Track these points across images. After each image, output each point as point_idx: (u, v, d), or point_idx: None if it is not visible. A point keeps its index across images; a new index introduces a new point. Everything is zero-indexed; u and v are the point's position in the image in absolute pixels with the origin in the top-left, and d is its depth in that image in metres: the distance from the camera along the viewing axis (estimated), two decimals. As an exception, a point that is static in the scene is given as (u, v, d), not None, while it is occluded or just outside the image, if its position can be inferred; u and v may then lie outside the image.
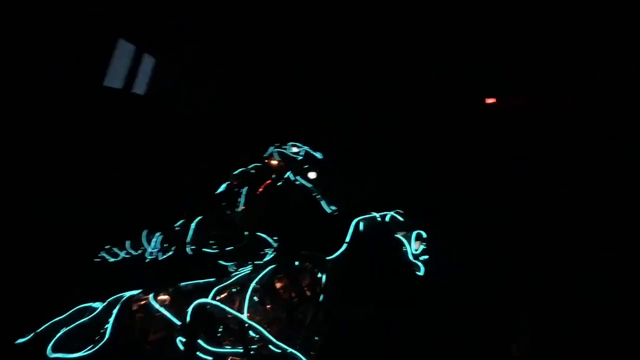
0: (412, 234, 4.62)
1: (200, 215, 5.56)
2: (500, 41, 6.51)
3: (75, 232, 6.46)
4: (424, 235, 4.54)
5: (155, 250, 5.92)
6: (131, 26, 7.12)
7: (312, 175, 5.18)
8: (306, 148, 5.44)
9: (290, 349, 4.32)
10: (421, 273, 4.46)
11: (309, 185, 5.17)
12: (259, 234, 5.19)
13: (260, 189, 5.30)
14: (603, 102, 5.97)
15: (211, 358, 4.40)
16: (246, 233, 5.21)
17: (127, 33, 7.10)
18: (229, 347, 4.50)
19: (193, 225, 5.53)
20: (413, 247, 4.54)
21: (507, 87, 6.50)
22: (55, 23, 6.55)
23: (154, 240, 6.01)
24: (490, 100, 6.38)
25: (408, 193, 5.37)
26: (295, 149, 5.44)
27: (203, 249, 5.39)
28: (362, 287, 4.69)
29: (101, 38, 6.94)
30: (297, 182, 5.17)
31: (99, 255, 6.32)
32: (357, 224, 4.95)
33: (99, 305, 4.83)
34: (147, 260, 5.69)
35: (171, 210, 6.05)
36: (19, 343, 4.62)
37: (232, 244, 5.26)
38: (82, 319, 4.75)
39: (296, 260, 4.93)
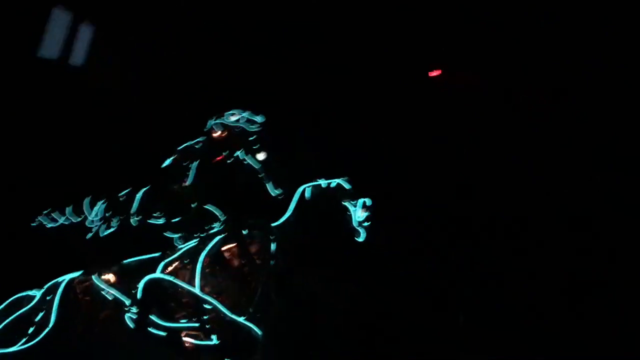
0: (357, 201, 4.69)
1: (146, 186, 5.39)
2: (454, 15, 6.41)
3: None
4: (369, 203, 4.62)
5: (97, 219, 5.71)
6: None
7: (261, 156, 5.09)
8: (245, 114, 5.28)
9: (243, 320, 4.44)
10: (361, 239, 4.58)
11: (257, 166, 5.09)
12: (206, 206, 5.13)
13: (210, 165, 5.17)
14: (557, 82, 6.06)
15: (164, 333, 4.46)
16: (193, 205, 5.13)
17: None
18: (183, 320, 4.57)
19: (138, 195, 5.37)
20: (358, 214, 4.62)
21: (457, 63, 6.48)
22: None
23: (96, 208, 5.79)
24: (434, 73, 6.35)
25: (356, 163, 5.40)
26: (234, 117, 5.27)
27: (148, 220, 5.28)
28: (308, 253, 4.80)
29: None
30: (246, 162, 5.07)
31: (37, 220, 6.06)
32: (303, 191, 4.99)
33: (36, 293, 4.70)
34: (89, 235, 5.49)
35: (116, 179, 5.84)
36: None
37: (179, 216, 5.19)
38: (20, 309, 4.59)
39: (243, 229, 4.95)
